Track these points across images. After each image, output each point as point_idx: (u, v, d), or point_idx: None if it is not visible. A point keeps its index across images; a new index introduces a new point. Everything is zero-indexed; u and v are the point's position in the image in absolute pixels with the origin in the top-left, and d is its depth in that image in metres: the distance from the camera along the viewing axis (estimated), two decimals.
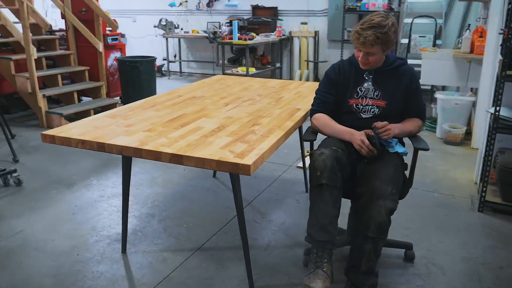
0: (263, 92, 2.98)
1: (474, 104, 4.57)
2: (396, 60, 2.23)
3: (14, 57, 5.10)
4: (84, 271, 2.29)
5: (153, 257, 2.41)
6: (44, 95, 4.97)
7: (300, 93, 2.98)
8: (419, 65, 4.94)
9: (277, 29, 7.59)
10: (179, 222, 2.81)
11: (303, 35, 7.59)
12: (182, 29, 8.52)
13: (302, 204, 3.04)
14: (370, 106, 2.19)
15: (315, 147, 2.27)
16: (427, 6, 6.51)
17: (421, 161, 3.84)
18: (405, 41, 6.48)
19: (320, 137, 2.23)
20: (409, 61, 5.92)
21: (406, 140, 2.28)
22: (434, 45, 6.13)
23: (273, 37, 7.44)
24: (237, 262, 2.33)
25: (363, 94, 2.20)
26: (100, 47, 5.62)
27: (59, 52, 5.80)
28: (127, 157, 2.24)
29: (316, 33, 7.55)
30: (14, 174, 3.37)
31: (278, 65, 8.00)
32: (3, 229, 2.72)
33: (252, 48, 7.76)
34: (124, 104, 5.48)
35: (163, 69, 8.78)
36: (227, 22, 7.76)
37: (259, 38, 7.22)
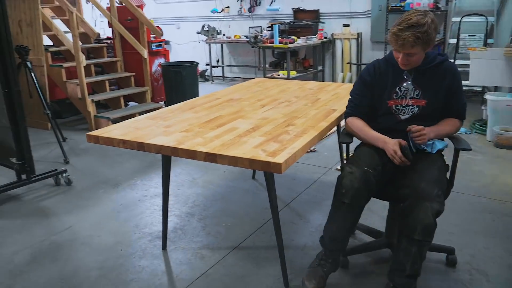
0: (300, 94, 3.01)
1: None
2: (436, 56, 2.13)
3: (65, 64, 5.39)
4: (127, 265, 2.40)
5: (191, 254, 2.49)
6: (92, 100, 5.21)
7: (338, 94, 2.98)
8: (469, 66, 4.77)
9: (318, 32, 7.57)
10: (218, 221, 2.88)
11: (345, 37, 7.53)
12: (224, 34, 8.67)
13: None
14: (410, 106, 2.11)
15: (352, 149, 2.28)
16: (476, 4, 6.23)
17: (469, 164, 3.73)
18: (453, 40, 6.24)
19: (357, 139, 2.22)
20: (458, 62, 5.80)
21: (446, 140, 2.22)
22: (485, 44, 5.85)
23: (314, 40, 7.43)
24: (273, 262, 2.36)
25: (402, 94, 2.12)
26: (145, 53, 5.83)
27: (106, 59, 6.07)
28: (166, 156, 2.33)
29: (359, 34, 7.46)
30: (65, 174, 3.56)
31: (320, 68, 7.97)
32: (54, 224, 2.89)
33: (293, 52, 7.77)
34: None
35: (206, 74, 8.96)
36: (268, 27, 7.82)
37: (300, 42, 7.23)
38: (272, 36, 7.11)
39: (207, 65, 8.86)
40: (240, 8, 8.55)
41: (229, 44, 8.82)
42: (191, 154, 1.90)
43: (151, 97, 6.04)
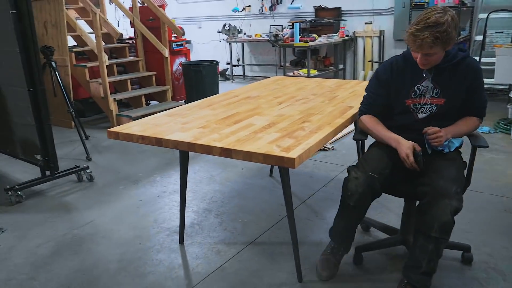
0: (318, 92, 3.01)
1: None
2: (457, 53, 2.04)
3: (89, 64, 5.51)
4: (145, 259, 2.46)
5: (208, 249, 2.53)
6: (115, 99, 5.32)
7: (356, 92, 2.97)
8: (495, 63, 4.64)
9: (340, 30, 7.53)
10: (234, 217, 2.91)
11: (367, 35, 7.47)
12: (245, 33, 8.71)
13: None
14: (428, 105, 2.07)
15: (367, 146, 2.28)
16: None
17: (491, 164, 3.67)
18: (479, 37, 6.09)
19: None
20: (484, 59, 5.66)
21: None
22: None
23: (336, 38, 7.39)
24: (288, 257, 2.38)
25: (421, 93, 2.06)
26: (166, 53, 5.91)
27: (128, 59, 6.18)
28: (184, 152, 2.37)
29: (381, 32, 7.38)
30: (87, 171, 3.65)
31: (341, 66, 7.93)
32: (76, 219, 2.97)
33: (314, 50, 7.77)
34: None
35: (226, 73, 9.02)
36: (289, 25, 7.83)
37: (321, 40, 7.21)
38: (292, 35, 7.12)
39: (227, 64, 8.92)
40: (261, 7, 8.56)
41: (250, 43, 8.85)
42: (207, 149, 1.93)
43: (172, 96, 6.13)
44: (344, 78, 7.84)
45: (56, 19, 5.04)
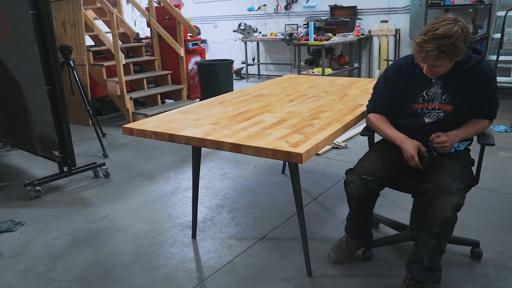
0: (330, 90, 3.03)
1: None
2: (471, 56, 1.95)
3: (106, 63, 5.62)
4: (158, 252, 2.52)
5: (219, 243, 2.58)
6: (131, 98, 5.42)
7: (367, 90, 2.98)
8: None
9: (355, 29, 7.51)
10: (246, 213, 2.96)
11: (383, 33, 7.42)
12: (260, 32, 8.75)
13: None
14: (436, 110, 2.04)
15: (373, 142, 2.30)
16: None
17: (506, 163, 3.65)
18: (497, 36, 6.02)
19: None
20: (502, 58, 5.59)
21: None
22: None
23: (351, 36, 7.37)
24: (298, 252, 2.41)
25: (429, 98, 2.03)
26: (182, 52, 5.99)
27: (145, 58, 6.28)
28: (196, 148, 2.42)
29: (397, 31, 7.34)
30: (103, 167, 3.74)
31: (356, 65, 7.90)
32: (93, 213, 3.05)
33: (329, 49, 7.76)
34: None
35: (242, 72, 9.07)
36: (304, 24, 7.83)
37: (336, 38, 7.20)
38: (307, 34, 7.13)
39: (243, 63, 8.97)
40: (277, 6, 8.59)
41: (265, 42, 8.89)
42: (218, 145, 1.98)
43: (187, 94, 6.21)
44: (359, 77, 7.81)
45: (74, 19, 5.16)
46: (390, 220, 2.55)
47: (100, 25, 6.11)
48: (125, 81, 5.39)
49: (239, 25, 8.53)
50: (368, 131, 2.25)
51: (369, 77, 7.73)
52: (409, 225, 2.36)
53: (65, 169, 3.53)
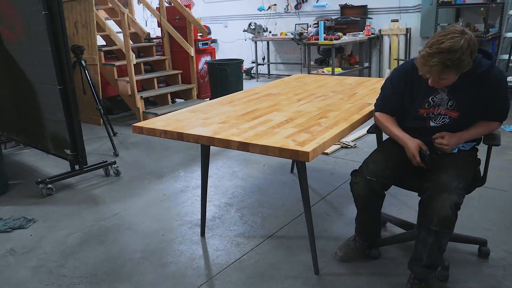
0: (338, 89, 3.04)
1: None
2: (481, 62, 1.91)
3: (117, 63, 5.68)
4: (167, 249, 2.55)
5: (228, 241, 2.61)
6: (141, 97, 5.47)
7: (375, 89, 2.98)
8: None
9: (366, 28, 7.49)
10: (254, 211, 2.98)
11: (393, 33, 7.39)
12: (270, 32, 8.76)
13: None
14: (442, 116, 2.05)
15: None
16: None
17: None
18: (509, 35, 5.98)
19: None
20: None
21: None
22: None
23: (361, 36, 7.35)
24: (305, 250, 2.43)
25: (435, 104, 2.04)
26: (192, 51, 6.03)
27: (155, 57, 6.32)
28: (205, 146, 2.45)
29: (408, 30, 7.31)
30: (114, 166, 3.79)
31: (366, 64, 7.88)
32: (103, 211, 3.10)
33: (339, 48, 7.74)
34: None
35: (252, 71, 9.09)
36: (314, 23, 7.83)
37: (346, 38, 7.19)
38: (317, 33, 7.12)
39: (253, 62, 8.99)
40: (287, 6, 8.59)
41: (275, 42, 8.90)
42: (226, 143, 2.00)
43: (197, 94, 6.24)
44: (369, 76, 7.79)
45: (86, 19, 5.22)
46: (398, 219, 2.56)
47: (112, 25, 6.18)
48: (136, 81, 5.44)
49: (249, 24, 8.55)
50: (375, 129, 2.28)
51: (379, 77, 7.69)
52: (416, 223, 2.36)
53: (77, 167, 3.58)
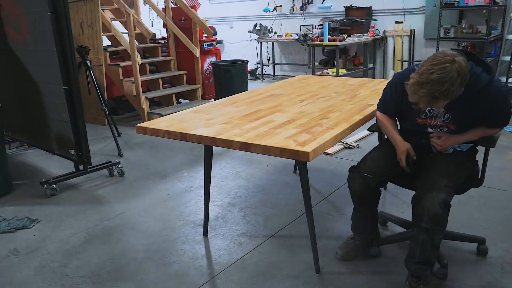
0: (341, 90, 3.05)
1: None
2: (479, 77, 1.88)
3: (122, 64, 5.71)
4: (170, 249, 2.57)
5: (230, 241, 2.62)
6: (146, 98, 5.50)
7: (377, 90, 2.99)
8: None
9: (370, 29, 7.49)
10: (257, 211, 2.99)
11: (397, 34, 7.38)
12: (275, 33, 8.77)
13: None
14: (439, 126, 2.09)
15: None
16: None
17: None
18: (511, 37, 6.00)
19: None
20: None
21: None
22: None
23: (365, 37, 7.36)
24: (307, 250, 2.43)
25: (431, 115, 2.07)
26: (197, 52, 6.05)
27: (160, 58, 6.35)
28: (208, 146, 2.47)
29: (412, 31, 7.30)
30: (118, 166, 3.81)
31: (370, 65, 7.88)
32: (107, 211, 3.12)
33: (343, 49, 7.75)
34: None
35: (257, 72, 9.11)
36: (319, 24, 7.84)
37: (351, 39, 7.20)
38: (322, 34, 7.13)
39: (258, 63, 9.00)
40: (292, 7, 8.60)
41: (280, 43, 8.91)
42: (228, 143, 2.02)
43: (202, 94, 6.26)
44: (373, 77, 7.79)
45: (92, 20, 5.25)
46: (398, 218, 2.58)
47: (117, 25, 6.21)
48: (141, 81, 5.46)
49: (255, 25, 8.57)
50: (376, 127, 2.35)
51: (383, 78, 7.69)
52: None
53: (81, 167, 3.61)
